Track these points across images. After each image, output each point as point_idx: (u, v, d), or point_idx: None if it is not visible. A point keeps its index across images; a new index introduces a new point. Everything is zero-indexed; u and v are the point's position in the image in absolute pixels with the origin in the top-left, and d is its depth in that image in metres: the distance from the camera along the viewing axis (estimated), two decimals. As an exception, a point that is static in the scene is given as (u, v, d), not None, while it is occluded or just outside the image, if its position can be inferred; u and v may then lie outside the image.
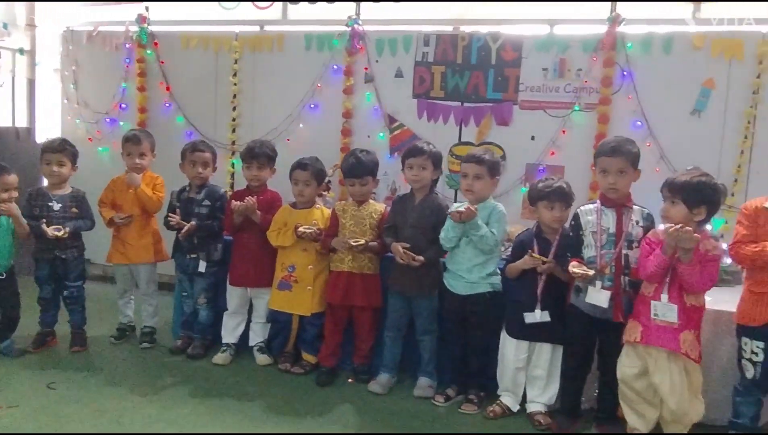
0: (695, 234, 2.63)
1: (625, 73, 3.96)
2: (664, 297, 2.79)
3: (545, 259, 3.06)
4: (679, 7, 3.98)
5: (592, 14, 4.05)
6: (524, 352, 3.21)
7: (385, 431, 3.06)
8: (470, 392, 3.35)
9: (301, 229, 3.51)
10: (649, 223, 2.97)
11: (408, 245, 3.32)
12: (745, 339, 2.86)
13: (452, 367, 3.45)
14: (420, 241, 3.34)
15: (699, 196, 2.73)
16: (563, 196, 3.13)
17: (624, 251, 2.94)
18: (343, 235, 3.52)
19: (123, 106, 5.11)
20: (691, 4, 3.95)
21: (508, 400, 3.27)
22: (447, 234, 3.24)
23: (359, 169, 3.52)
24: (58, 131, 5.40)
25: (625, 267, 2.94)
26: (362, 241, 3.43)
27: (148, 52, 5.00)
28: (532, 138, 4.16)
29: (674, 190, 2.76)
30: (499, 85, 4.19)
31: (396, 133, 4.40)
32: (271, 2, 4.76)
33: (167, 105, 5.01)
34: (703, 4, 3.94)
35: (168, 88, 4.99)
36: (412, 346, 3.53)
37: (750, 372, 2.84)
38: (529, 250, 3.11)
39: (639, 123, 3.95)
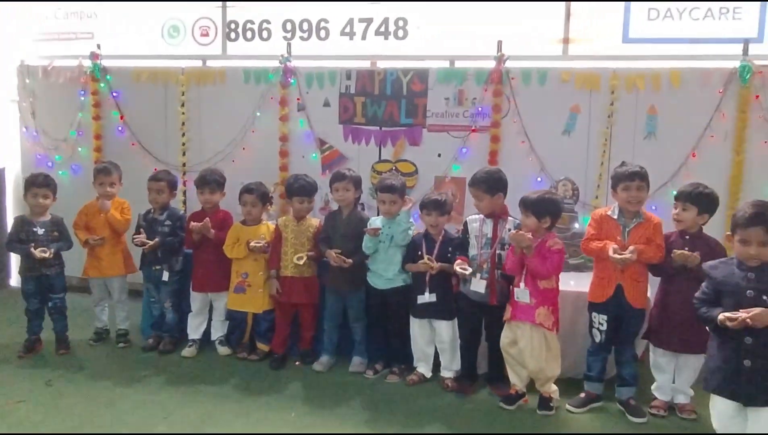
0: (529, 235, 3.50)
1: (510, 101, 4.83)
2: (522, 284, 3.62)
3: (433, 266, 3.86)
4: (551, 46, 4.88)
5: (484, 52, 4.85)
6: (426, 328, 4.03)
7: (328, 401, 3.82)
8: (393, 366, 4.16)
9: (252, 243, 4.23)
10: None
11: (339, 251, 4.08)
12: (593, 313, 3.70)
13: (378, 347, 4.25)
14: (348, 247, 4.11)
15: (544, 209, 3.59)
16: (438, 206, 3.94)
17: (498, 252, 3.78)
18: (286, 246, 4.27)
19: (80, 132, 5.67)
20: (560, 45, 4.88)
21: (423, 368, 4.08)
22: (365, 244, 4.05)
23: (308, 189, 4.28)
24: (18, 156, 5.92)
25: (498, 263, 3.78)
26: (304, 256, 4.18)
27: (102, 85, 5.55)
28: (439, 155, 4.94)
29: (526, 206, 3.62)
30: (410, 112, 4.98)
31: (326, 153, 5.17)
32: None
33: (120, 131, 5.58)
34: (570, 45, 4.86)
35: (122, 117, 5.54)
36: (347, 332, 4.30)
37: (597, 338, 3.68)
38: (426, 257, 3.91)
39: (523, 141, 4.78)
